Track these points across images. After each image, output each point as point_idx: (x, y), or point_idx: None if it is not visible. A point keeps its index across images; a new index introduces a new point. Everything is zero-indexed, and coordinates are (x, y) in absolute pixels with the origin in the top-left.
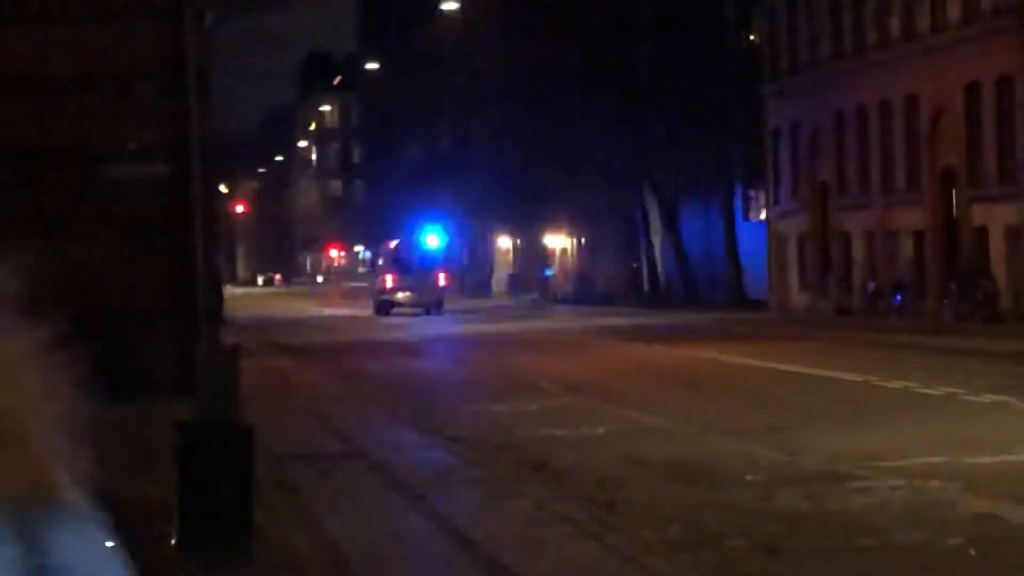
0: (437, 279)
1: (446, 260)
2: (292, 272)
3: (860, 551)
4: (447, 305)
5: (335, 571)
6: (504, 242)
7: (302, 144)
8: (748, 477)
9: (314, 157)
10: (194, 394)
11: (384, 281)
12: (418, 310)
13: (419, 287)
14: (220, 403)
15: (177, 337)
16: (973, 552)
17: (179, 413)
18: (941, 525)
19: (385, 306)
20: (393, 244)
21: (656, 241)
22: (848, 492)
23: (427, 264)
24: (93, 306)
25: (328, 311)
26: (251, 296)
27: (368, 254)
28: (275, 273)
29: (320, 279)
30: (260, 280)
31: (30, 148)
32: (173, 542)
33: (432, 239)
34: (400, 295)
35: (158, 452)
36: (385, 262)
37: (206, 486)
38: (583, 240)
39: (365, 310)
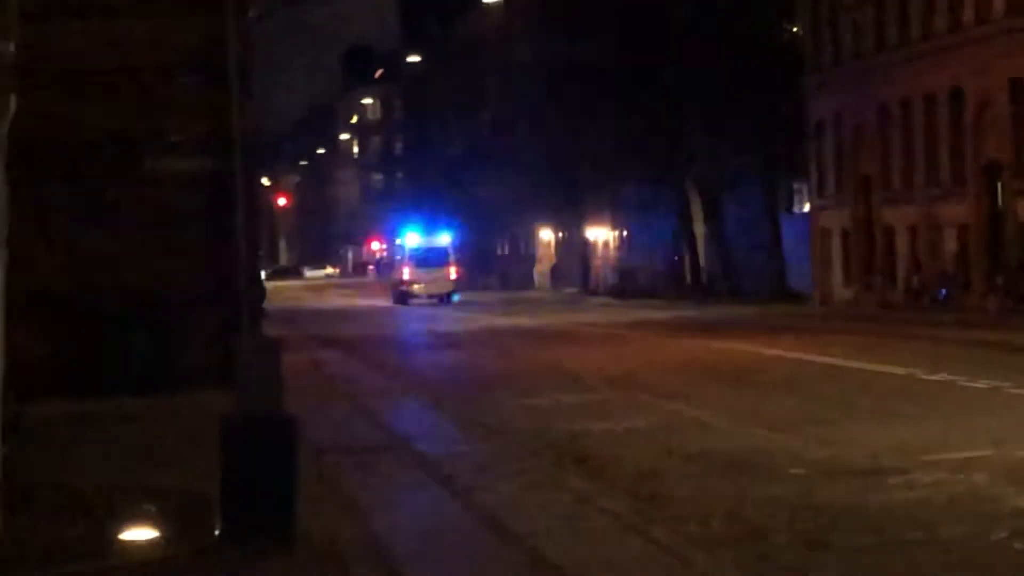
0: (448, 272)
1: (457, 255)
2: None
3: (903, 545)
4: (487, 298)
5: (377, 563)
6: (546, 235)
7: (344, 137)
8: (790, 471)
9: (356, 150)
10: (235, 386)
11: (401, 273)
12: (433, 300)
13: (432, 279)
14: (262, 395)
15: (218, 329)
16: (1018, 546)
17: (220, 405)
18: (985, 519)
19: (402, 296)
20: (408, 240)
21: (698, 234)
22: (891, 486)
23: (439, 258)
24: (135, 298)
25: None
26: (292, 288)
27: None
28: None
29: (371, 269)
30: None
31: (73, 141)
32: (216, 533)
33: (413, 237)
34: (416, 287)
35: (200, 443)
36: (401, 257)
37: (249, 478)
38: (625, 233)
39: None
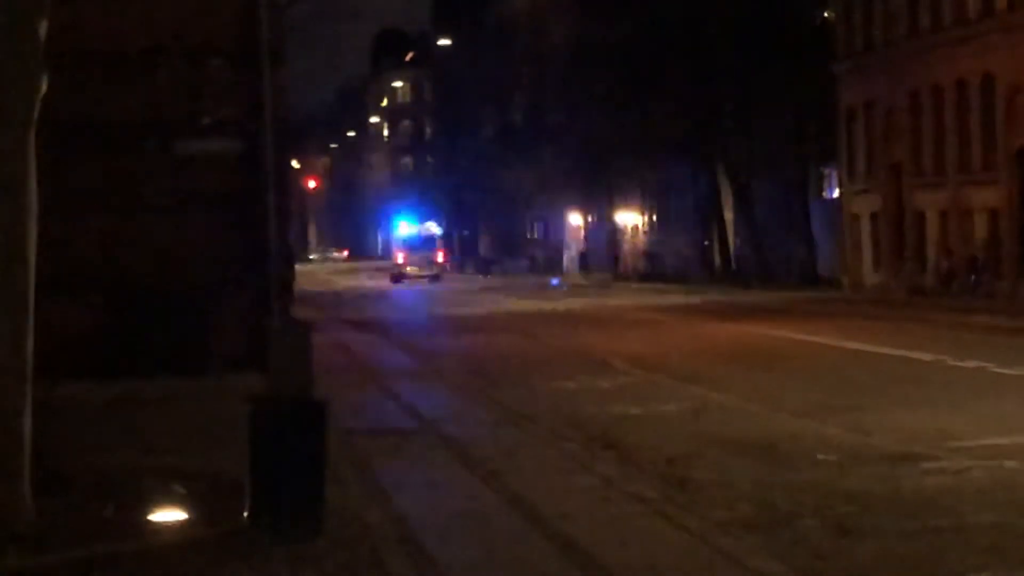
0: (436, 256)
1: (444, 242)
2: (362, 248)
3: (933, 531)
4: (515, 282)
5: (405, 546)
6: (575, 219)
7: (374, 120)
8: (820, 456)
9: (386, 133)
10: (266, 368)
11: (396, 257)
12: (423, 279)
13: (421, 263)
14: (292, 377)
15: (249, 311)
16: None
17: (250, 387)
18: (1016, 506)
19: (397, 277)
20: (401, 229)
21: (728, 219)
22: (921, 472)
23: (428, 245)
24: (165, 280)
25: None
26: (320, 271)
27: (440, 230)
28: (339, 249)
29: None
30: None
31: (103, 123)
32: (245, 515)
33: (405, 227)
34: (408, 269)
35: (230, 426)
36: (397, 244)
37: (278, 461)
38: (655, 217)
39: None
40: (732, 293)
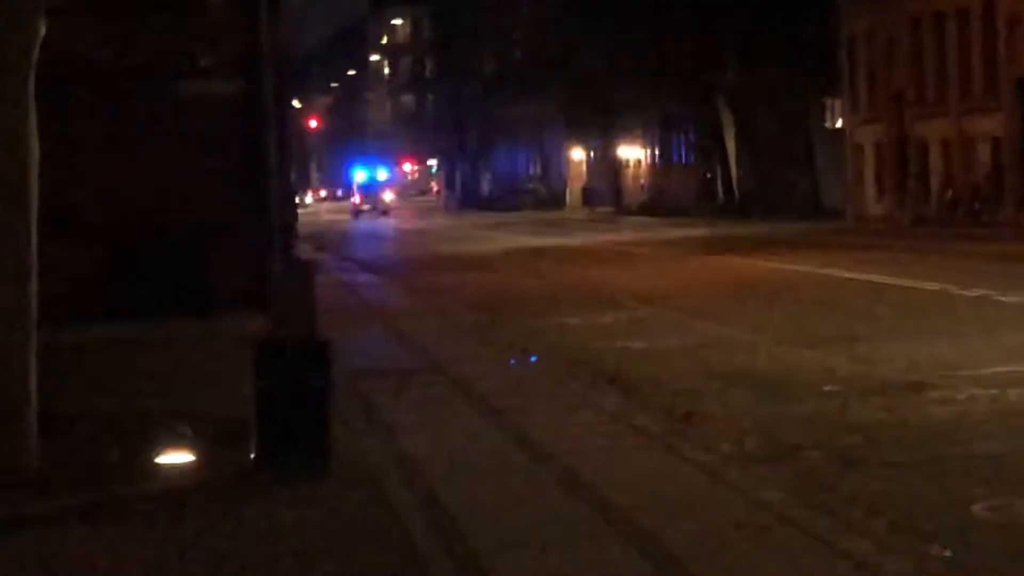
0: (384, 196)
1: (392, 184)
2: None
3: (939, 461)
4: (518, 219)
5: (411, 484)
6: (578, 154)
7: (374, 58)
8: (825, 388)
9: (386, 71)
10: (269, 309)
11: (354, 198)
12: (375, 214)
13: (373, 201)
14: (296, 318)
15: (251, 252)
16: None
17: (254, 328)
18: (1020, 433)
19: (357, 213)
20: (357, 176)
21: (730, 151)
22: (927, 402)
23: (379, 187)
24: (167, 223)
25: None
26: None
27: (441, 168)
28: (315, 190)
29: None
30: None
31: (103, 67)
32: (251, 457)
33: (360, 174)
34: (364, 206)
35: (234, 367)
36: (355, 188)
37: (283, 402)
38: (657, 151)
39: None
40: (735, 226)
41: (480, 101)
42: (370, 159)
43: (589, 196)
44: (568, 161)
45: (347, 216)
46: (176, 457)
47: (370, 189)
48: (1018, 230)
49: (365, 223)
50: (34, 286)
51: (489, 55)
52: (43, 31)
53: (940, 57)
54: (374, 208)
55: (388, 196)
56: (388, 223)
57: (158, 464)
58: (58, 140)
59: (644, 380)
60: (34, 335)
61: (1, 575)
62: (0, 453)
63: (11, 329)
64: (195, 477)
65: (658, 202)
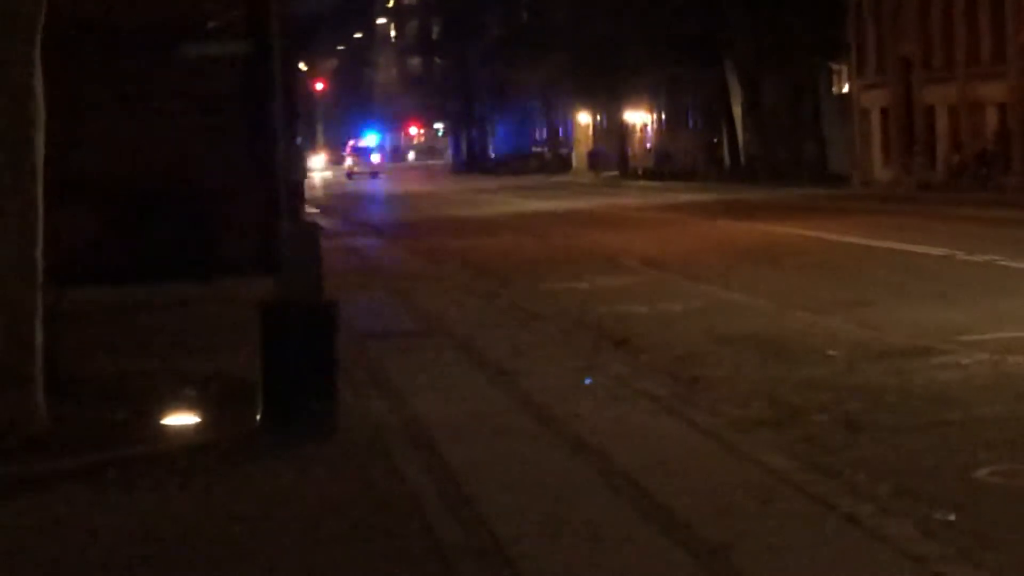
0: (373, 160)
1: (380, 149)
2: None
3: (943, 425)
4: (524, 182)
5: (418, 447)
6: (584, 118)
7: (381, 21)
8: (830, 352)
9: (393, 35)
10: (275, 272)
11: (348, 162)
12: (365, 175)
13: (363, 164)
14: (302, 281)
15: (258, 216)
16: None
17: (260, 291)
18: (1023, 399)
19: (350, 174)
20: (351, 142)
21: (737, 116)
22: (932, 367)
23: (369, 152)
24: (173, 185)
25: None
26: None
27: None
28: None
29: (412, 156)
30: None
31: (110, 28)
32: (257, 418)
33: (352, 142)
34: (356, 169)
35: (240, 330)
36: (349, 152)
37: (289, 364)
38: (663, 115)
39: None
40: (741, 191)
41: (487, 65)
42: (366, 124)
43: (595, 160)
44: (575, 125)
45: (343, 179)
46: (182, 418)
47: (361, 153)
48: None
49: (361, 184)
50: (40, 248)
51: (496, 18)
52: None
53: (947, 22)
54: (364, 171)
55: (376, 159)
56: (384, 185)
57: (164, 425)
58: (64, 102)
59: (650, 344)
60: (40, 297)
61: (9, 533)
62: (8, 413)
63: (17, 290)
64: (201, 438)
65: (664, 167)
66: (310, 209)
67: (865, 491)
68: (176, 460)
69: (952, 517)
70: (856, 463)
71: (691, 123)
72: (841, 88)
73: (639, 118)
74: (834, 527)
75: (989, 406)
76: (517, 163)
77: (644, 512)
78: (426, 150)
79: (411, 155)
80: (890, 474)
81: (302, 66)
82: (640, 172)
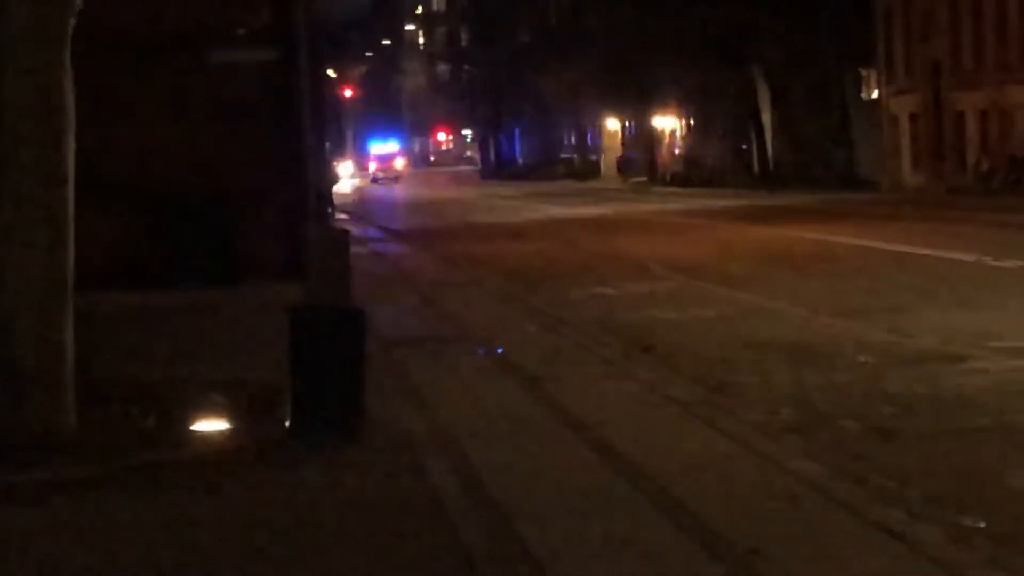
0: (395, 164)
1: (404, 154)
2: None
3: (974, 432)
4: (552, 188)
5: (445, 452)
6: (613, 124)
7: (409, 28)
8: (860, 358)
9: (421, 41)
10: (303, 278)
11: (370, 167)
12: (389, 181)
13: (387, 169)
14: (330, 286)
15: (286, 221)
16: None
17: (288, 297)
18: None
19: (375, 179)
20: (373, 148)
21: (766, 121)
22: (962, 373)
23: (391, 157)
24: (203, 191)
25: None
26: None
27: (475, 137)
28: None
29: (439, 162)
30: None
31: (139, 36)
32: (285, 425)
33: (376, 147)
34: (380, 174)
35: (268, 335)
36: (372, 158)
37: (317, 370)
38: (692, 121)
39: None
40: (770, 196)
41: (515, 70)
42: (388, 132)
43: (624, 166)
44: (603, 131)
45: (370, 185)
46: (211, 424)
47: (384, 159)
48: None
49: (389, 190)
50: (71, 254)
51: (524, 23)
52: (80, 1)
53: (977, 27)
54: (388, 175)
55: (399, 164)
56: (412, 191)
57: (193, 431)
58: (93, 109)
59: (678, 349)
60: (71, 303)
61: (39, 539)
62: (38, 418)
63: (48, 297)
64: (230, 444)
65: (693, 172)
66: (339, 215)
67: (894, 497)
68: (205, 466)
69: (982, 524)
70: (885, 469)
71: (720, 129)
72: (870, 94)
73: (668, 124)
74: (862, 533)
75: (1020, 413)
76: (545, 169)
77: (673, 517)
78: (454, 156)
79: (438, 160)
80: (920, 480)
81: (331, 72)
82: (669, 178)
